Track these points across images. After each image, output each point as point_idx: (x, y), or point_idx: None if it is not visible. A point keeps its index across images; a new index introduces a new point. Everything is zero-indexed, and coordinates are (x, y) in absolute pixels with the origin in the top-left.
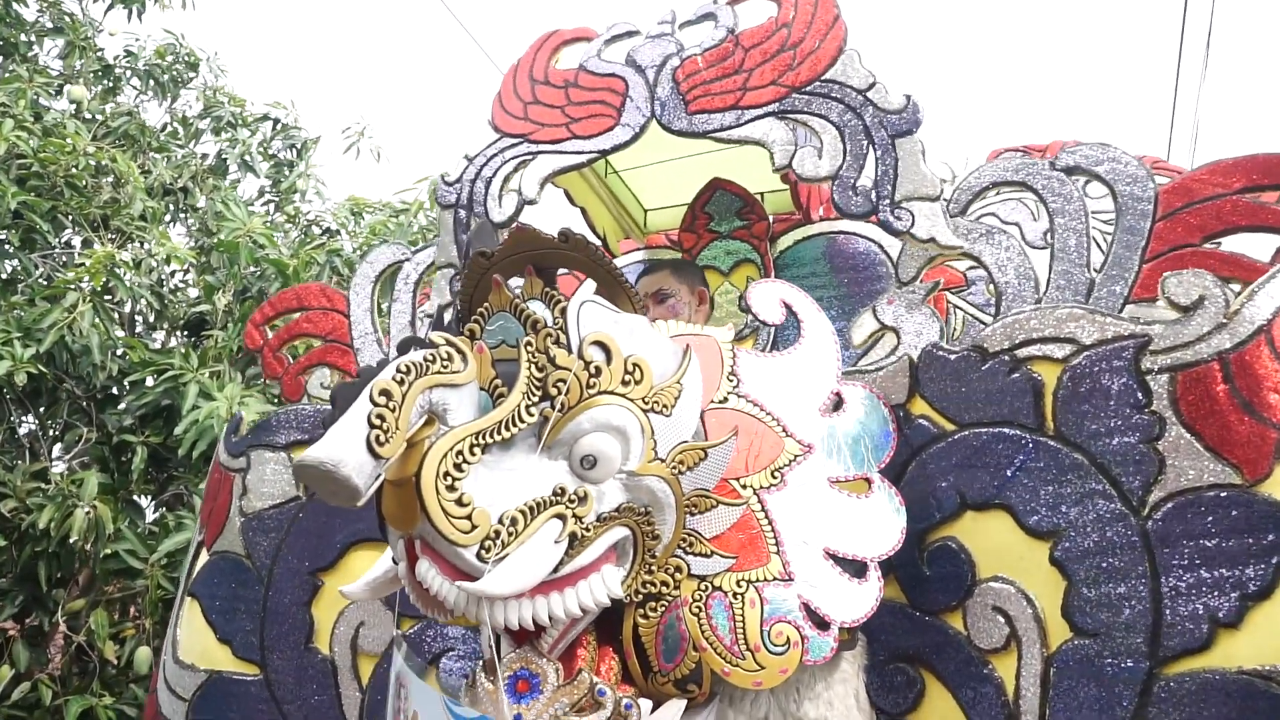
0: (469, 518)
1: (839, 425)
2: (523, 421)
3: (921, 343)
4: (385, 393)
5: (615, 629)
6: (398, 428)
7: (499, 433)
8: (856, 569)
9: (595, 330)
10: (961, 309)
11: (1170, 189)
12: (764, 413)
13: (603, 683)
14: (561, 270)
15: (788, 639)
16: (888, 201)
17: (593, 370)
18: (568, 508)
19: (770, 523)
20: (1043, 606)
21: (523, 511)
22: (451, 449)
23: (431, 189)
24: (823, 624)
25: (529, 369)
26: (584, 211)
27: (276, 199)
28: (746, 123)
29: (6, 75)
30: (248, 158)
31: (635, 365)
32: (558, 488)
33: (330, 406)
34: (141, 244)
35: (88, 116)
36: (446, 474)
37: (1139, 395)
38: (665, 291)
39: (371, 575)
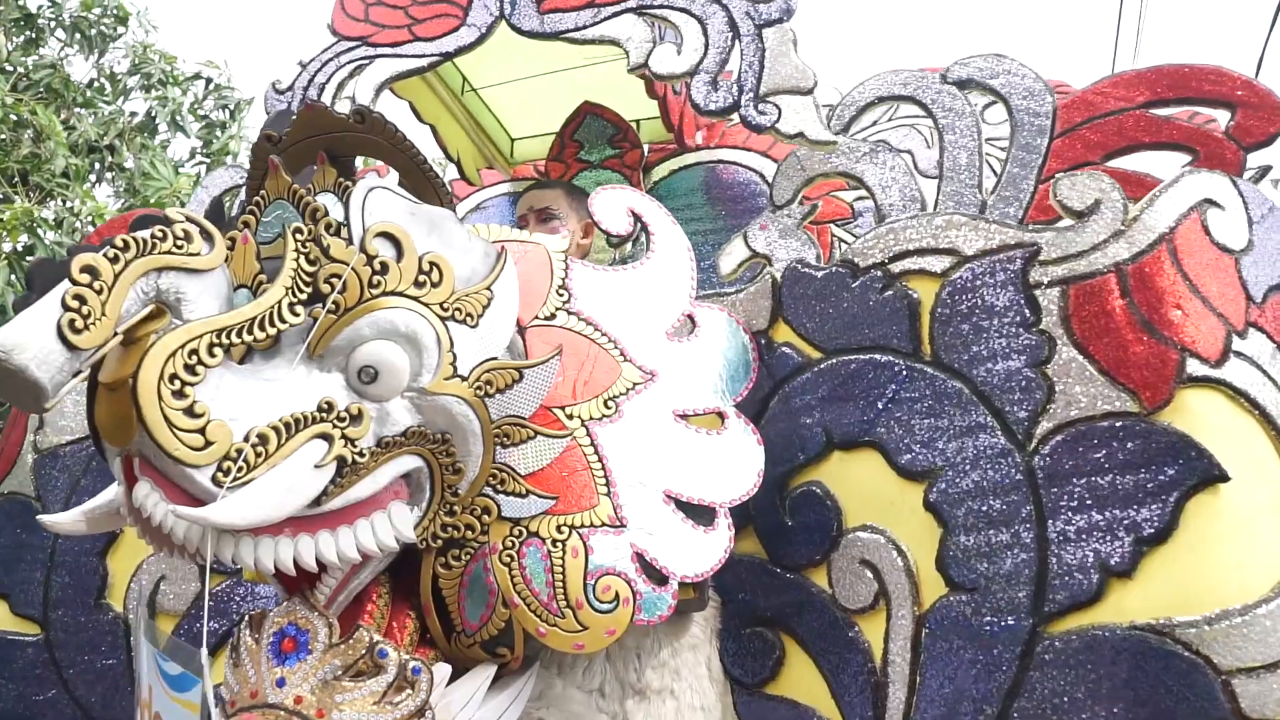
0: (201, 431)
1: (690, 351)
2: (283, 321)
3: None
4: (90, 269)
5: (416, 579)
6: (104, 314)
7: (250, 331)
8: (704, 516)
9: (385, 221)
10: (847, 243)
11: (1069, 103)
12: (599, 333)
13: (385, 642)
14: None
15: (616, 595)
16: (751, 95)
17: (377, 266)
18: (336, 426)
19: (600, 459)
20: (915, 559)
21: (276, 428)
22: (182, 346)
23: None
24: (660, 578)
25: (297, 260)
26: (434, 129)
27: (208, 160)
28: (603, 20)
29: None
30: (178, 117)
31: (433, 264)
32: (324, 402)
33: None
34: (64, 202)
35: (8, 68)
36: (174, 376)
37: (1026, 312)
38: (552, 211)
39: (94, 502)
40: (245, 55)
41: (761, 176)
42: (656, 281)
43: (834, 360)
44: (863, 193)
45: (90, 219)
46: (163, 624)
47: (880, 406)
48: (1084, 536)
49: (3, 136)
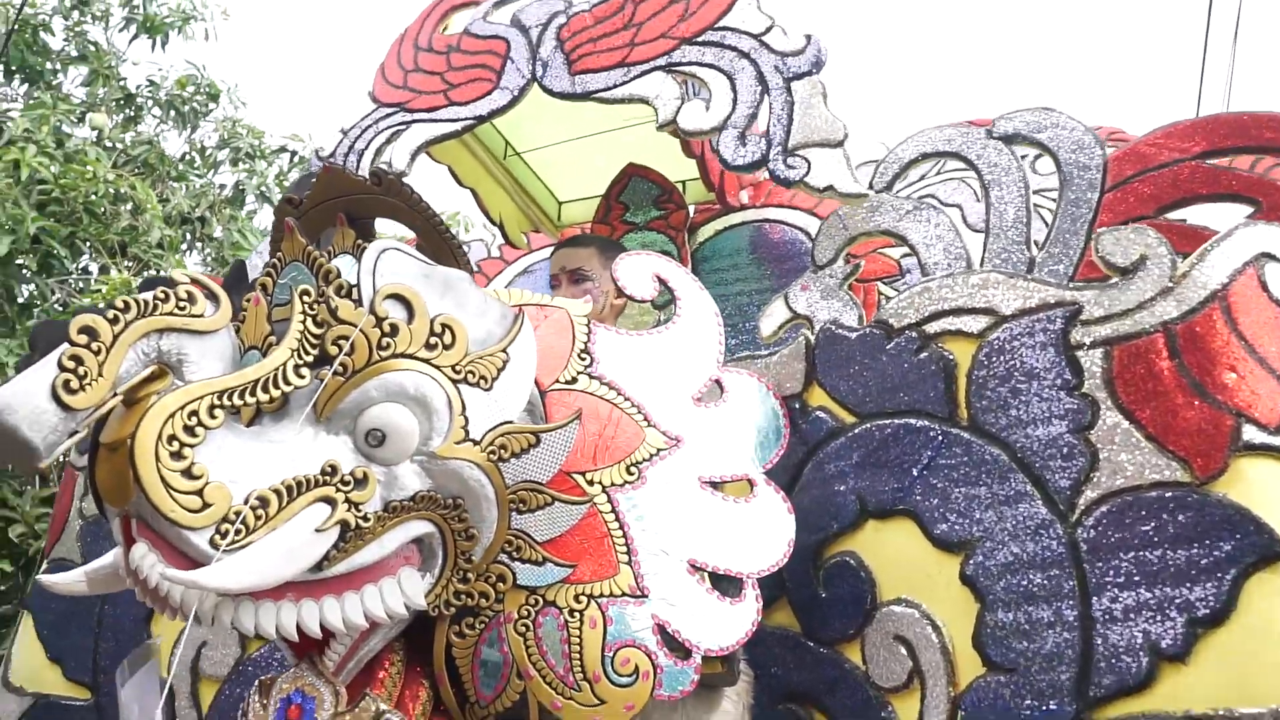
0: (199, 493)
1: (718, 417)
2: (287, 383)
3: None
4: (88, 330)
5: (429, 648)
6: (101, 375)
7: (253, 393)
8: (730, 587)
9: (395, 282)
10: None
11: (1121, 156)
12: (622, 398)
13: (393, 712)
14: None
15: (636, 668)
16: (780, 149)
17: (387, 328)
18: (339, 490)
19: (622, 526)
20: (951, 635)
21: (278, 491)
22: (182, 408)
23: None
24: (682, 651)
25: (304, 322)
26: (474, 193)
27: None
28: (633, 79)
29: (31, 102)
30: (264, 189)
31: (445, 326)
32: (328, 465)
33: None
34: (158, 272)
35: (108, 144)
36: (172, 438)
37: (1068, 374)
38: (584, 272)
39: (97, 563)
40: (328, 128)
41: (808, 235)
42: (683, 346)
43: (868, 425)
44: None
45: None
46: (204, 690)
47: (915, 473)
48: (1132, 616)
49: (103, 211)
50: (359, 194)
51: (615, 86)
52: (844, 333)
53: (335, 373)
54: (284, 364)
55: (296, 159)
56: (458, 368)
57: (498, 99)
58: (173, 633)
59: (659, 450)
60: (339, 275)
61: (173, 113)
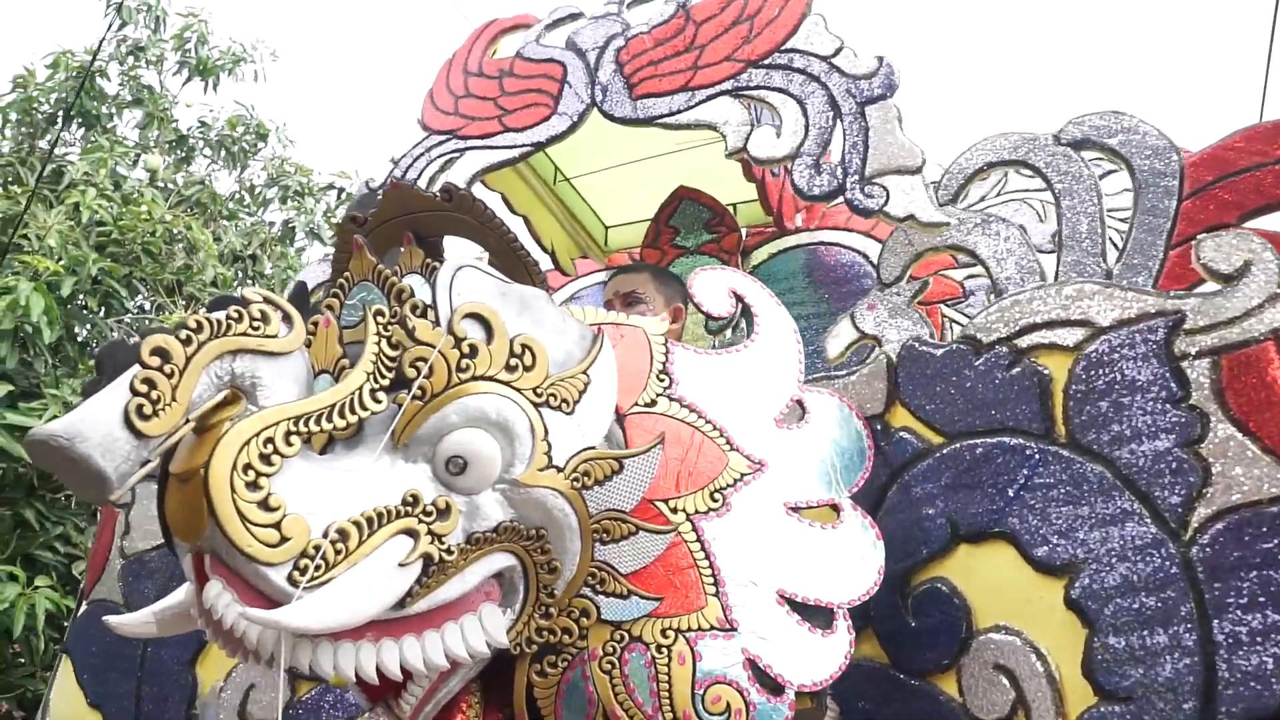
0: (277, 526)
1: (801, 440)
2: (364, 408)
3: None
4: (160, 352)
5: (508, 688)
6: (174, 399)
7: (329, 419)
8: (820, 618)
9: (473, 301)
10: (959, 323)
11: (1198, 161)
12: (704, 421)
13: None
14: None
15: (727, 705)
16: (856, 177)
17: (466, 350)
18: (421, 522)
19: (708, 556)
20: (1057, 663)
21: (357, 523)
22: (257, 435)
23: None
24: (775, 687)
25: (379, 343)
26: (527, 220)
27: None
28: (698, 104)
29: (89, 146)
30: (313, 226)
31: (525, 347)
32: (409, 495)
33: None
34: None
35: (162, 185)
36: (248, 467)
37: (1173, 386)
38: (639, 295)
39: (165, 602)
40: (374, 165)
41: (865, 257)
42: (763, 365)
43: (957, 445)
44: (973, 270)
45: None
46: None
47: (1011, 494)
48: (1259, 640)
49: (159, 251)
50: (428, 211)
51: (679, 111)
52: (928, 350)
53: (414, 397)
54: (360, 388)
55: (344, 196)
56: (539, 390)
57: (556, 125)
58: (219, 676)
59: (743, 475)
60: (413, 294)
61: (223, 152)
